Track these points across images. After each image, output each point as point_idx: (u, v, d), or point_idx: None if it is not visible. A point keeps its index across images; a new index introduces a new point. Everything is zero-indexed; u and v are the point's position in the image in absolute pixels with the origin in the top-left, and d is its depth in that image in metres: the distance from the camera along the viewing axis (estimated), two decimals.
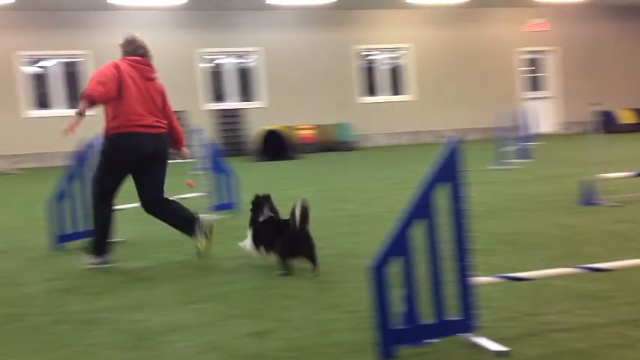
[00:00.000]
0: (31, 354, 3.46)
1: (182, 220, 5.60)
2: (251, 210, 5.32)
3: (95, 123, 6.21)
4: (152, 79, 5.62)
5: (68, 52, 18.84)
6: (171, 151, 5.78)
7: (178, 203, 5.73)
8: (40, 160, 18.37)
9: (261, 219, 5.19)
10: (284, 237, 4.87)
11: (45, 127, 17.81)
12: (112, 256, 5.55)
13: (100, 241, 5.46)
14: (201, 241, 5.51)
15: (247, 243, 5.26)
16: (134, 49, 5.58)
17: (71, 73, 19.11)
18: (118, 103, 5.35)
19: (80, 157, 6.49)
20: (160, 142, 5.56)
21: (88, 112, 5.19)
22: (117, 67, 5.38)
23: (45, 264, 5.73)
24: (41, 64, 18.85)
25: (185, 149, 6.07)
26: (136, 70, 5.50)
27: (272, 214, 5.19)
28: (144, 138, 5.43)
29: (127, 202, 6.55)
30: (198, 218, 5.58)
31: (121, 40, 5.64)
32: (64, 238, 6.36)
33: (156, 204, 5.63)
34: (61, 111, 18.49)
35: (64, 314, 4.16)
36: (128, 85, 5.37)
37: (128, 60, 5.52)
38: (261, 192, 5.45)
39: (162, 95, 5.72)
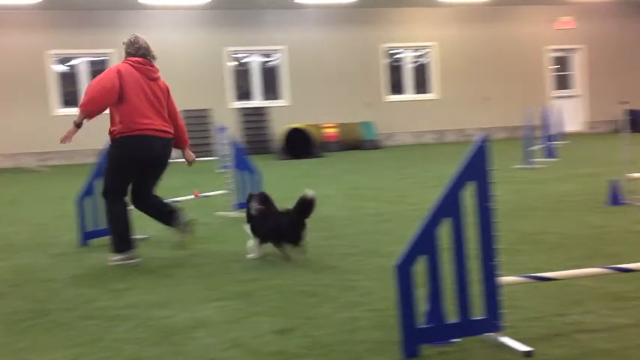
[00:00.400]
0: (58, 349, 3.50)
1: (166, 214, 5.84)
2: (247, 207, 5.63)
3: None
4: (156, 79, 5.69)
5: (96, 51, 19.02)
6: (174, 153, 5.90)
7: (160, 198, 5.94)
8: (71, 157, 18.55)
9: (253, 213, 5.50)
10: (284, 224, 5.26)
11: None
12: (135, 252, 5.61)
13: (118, 238, 5.54)
14: (183, 234, 5.74)
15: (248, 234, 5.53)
16: (136, 50, 5.65)
17: (98, 72, 19.30)
18: (123, 107, 5.43)
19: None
20: (166, 147, 5.70)
21: (85, 122, 5.43)
22: (118, 72, 5.45)
23: (72, 260, 5.79)
24: (69, 62, 19.06)
25: (189, 152, 6.17)
26: (140, 72, 5.56)
27: (263, 207, 5.49)
28: (152, 141, 5.53)
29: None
30: (178, 212, 5.82)
31: (125, 40, 5.73)
32: (90, 235, 6.43)
33: (147, 201, 5.81)
34: None
35: (90, 310, 4.21)
36: (132, 88, 5.44)
37: (130, 61, 5.59)
38: (264, 191, 5.85)
39: (167, 94, 5.80)
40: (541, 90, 23.06)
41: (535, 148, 12.58)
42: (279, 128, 19.78)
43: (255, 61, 20.63)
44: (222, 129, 8.55)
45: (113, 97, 5.37)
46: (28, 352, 3.47)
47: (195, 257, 5.66)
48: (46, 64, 18.72)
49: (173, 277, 4.99)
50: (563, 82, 23.85)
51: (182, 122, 5.98)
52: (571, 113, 23.12)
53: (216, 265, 5.30)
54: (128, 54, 5.65)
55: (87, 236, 6.40)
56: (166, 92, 5.78)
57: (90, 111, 5.37)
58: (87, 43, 18.81)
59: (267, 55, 20.73)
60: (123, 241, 5.54)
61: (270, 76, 20.84)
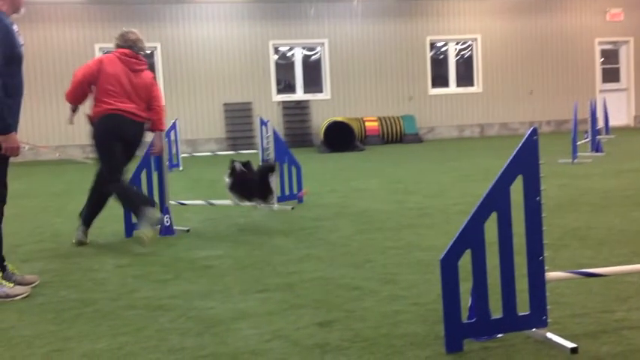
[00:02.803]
0: (102, 337, 3.56)
1: (134, 204, 5.91)
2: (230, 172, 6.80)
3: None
4: (139, 71, 6.12)
5: None
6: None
7: (135, 187, 6.18)
8: None
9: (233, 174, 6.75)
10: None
11: None
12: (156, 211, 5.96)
13: (141, 201, 5.85)
14: (146, 231, 5.76)
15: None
16: (124, 42, 6.15)
17: None
18: (99, 92, 5.94)
19: (150, 148, 6.63)
20: (137, 128, 6.09)
21: (79, 105, 6.03)
22: (101, 61, 5.99)
23: (117, 250, 5.88)
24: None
25: (158, 144, 6.44)
26: (123, 63, 6.03)
27: (242, 170, 6.77)
28: (124, 120, 5.97)
29: (193, 199, 6.67)
30: (149, 205, 5.85)
31: (117, 34, 6.24)
32: (134, 226, 6.51)
33: (117, 183, 5.99)
34: None
35: (134, 300, 4.27)
36: (110, 75, 5.92)
37: (117, 53, 6.08)
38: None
39: (149, 85, 6.21)
40: (588, 83, 22.64)
41: (580, 142, 12.37)
42: (320, 122, 19.79)
43: (297, 55, 20.65)
44: (264, 122, 8.59)
45: (88, 88, 5.94)
46: (74, 341, 3.53)
47: (235, 249, 5.70)
48: (92, 58, 19.02)
49: (214, 268, 5.03)
50: (610, 75, 23.38)
51: (159, 105, 6.30)
52: (618, 107, 22.67)
53: (257, 257, 5.33)
54: (117, 46, 6.15)
55: (132, 227, 6.49)
56: (149, 83, 6.20)
57: (71, 100, 5.97)
58: None
59: (311, 49, 20.74)
60: (145, 201, 5.88)
61: (312, 69, 20.85)
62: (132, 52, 6.10)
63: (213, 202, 7.66)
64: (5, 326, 3.84)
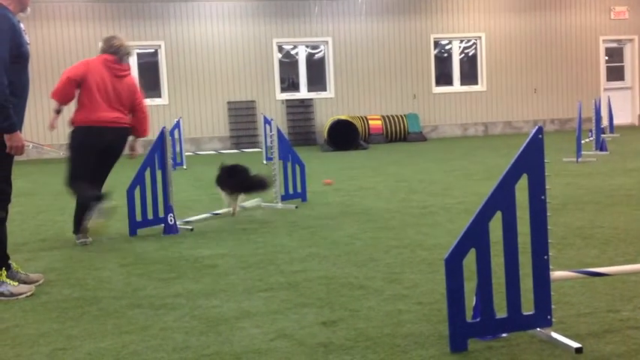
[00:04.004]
0: (107, 336, 3.57)
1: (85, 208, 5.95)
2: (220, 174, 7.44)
3: (165, 113, 6.39)
4: (121, 77, 6.18)
5: (146, 43, 19.20)
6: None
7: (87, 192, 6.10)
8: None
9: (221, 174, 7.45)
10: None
11: None
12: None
13: (91, 206, 5.88)
14: (91, 220, 5.81)
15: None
16: (109, 48, 6.20)
17: (148, 64, 19.45)
18: (82, 97, 6.01)
19: (154, 147, 6.64)
20: (118, 135, 6.14)
21: (63, 107, 6.11)
22: (87, 64, 6.09)
23: (121, 249, 5.89)
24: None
25: (138, 150, 6.59)
26: (106, 68, 6.09)
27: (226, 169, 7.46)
28: (104, 131, 6.02)
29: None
30: (101, 199, 5.86)
31: (102, 38, 6.38)
32: (140, 225, 6.52)
33: (71, 188, 6.09)
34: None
35: (138, 298, 4.27)
36: (94, 82, 5.98)
37: (102, 58, 6.14)
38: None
39: (132, 91, 6.28)
40: (592, 82, 22.59)
41: (584, 140, 12.34)
42: (324, 120, 19.78)
43: (301, 53, 20.63)
44: (268, 120, 8.58)
45: (75, 88, 5.99)
46: (79, 339, 3.54)
47: (239, 248, 5.70)
48: None
49: (218, 267, 5.03)
50: (614, 74, 23.32)
51: (144, 115, 6.37)
52: (622, 105, 22.62)
53: (261, 256, 5.33)
54: (102, 50, 6.21)
55: (136, 226, 6.50)
56: (132, 90, 6.27)
57: (58, 99, 6.03)
58: (137, 35, 19.05)
59: (315, 47, 20.72)
60: (96, 199, 5.87)
61: (315, 67, 20.83)
62: (115, 58, 6.15)
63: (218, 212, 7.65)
64: (9, 325, 3.85)
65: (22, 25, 4.49)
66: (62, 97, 6.01)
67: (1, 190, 4.47)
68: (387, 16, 20.89)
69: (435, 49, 21.52)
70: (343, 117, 18.13)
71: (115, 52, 6.18)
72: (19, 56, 4.42)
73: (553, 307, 3.17)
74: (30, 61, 4.63)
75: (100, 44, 6.29)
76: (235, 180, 7.32)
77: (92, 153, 6.03)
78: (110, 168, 6.32)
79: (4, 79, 4.28)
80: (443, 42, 21.73)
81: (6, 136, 4.35)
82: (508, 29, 21.87)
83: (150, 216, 6.62)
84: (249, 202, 7.85)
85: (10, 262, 4.68)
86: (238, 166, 7.45)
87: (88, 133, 6.00)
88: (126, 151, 6.34)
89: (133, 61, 19.43)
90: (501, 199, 3.05)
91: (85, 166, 6.04)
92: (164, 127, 6.81)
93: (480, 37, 21.72)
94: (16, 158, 4.62)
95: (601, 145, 12.95)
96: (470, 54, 21.98)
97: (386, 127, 19.55)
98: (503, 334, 3.19)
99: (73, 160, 6.10)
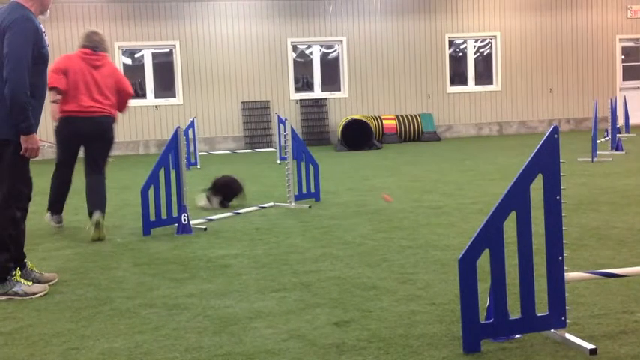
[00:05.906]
0: (120, 336, 3.58)
1: (89, 201, 6.53)
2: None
3: (179, 113, 6.42)
4: (99, 67, 6.53)
5: (161, 43, 19.27)
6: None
7: (98, 187, 6.64)
8: (134, 148, 18.89)
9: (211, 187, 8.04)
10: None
11: (137, 115, 18.38)
12: (61, 219, 6.90)
13: (53, 201, 6.75)
14: (91, 228, 6.32)
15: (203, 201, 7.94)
16: (89, 42, 6.56)
17: (163, 63, 19.52)
18: (66, 90, 6.39)
19: (169, 147, 6.65)
20: (95, 123, 6.49)
21: (60, 94, 6.42)
22: (68, 58, 6.56)
23: (134, 249, 5.90)
24: (132, 55, 19.39)
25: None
26: (84, 61, 6.48)
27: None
28: (79, 120, 6.43)
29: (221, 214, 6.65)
30: (98, 208, 6.40)
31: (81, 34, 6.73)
32: (153, 224, 6.54)
33: (86, 177, 6.62)
34: (153, 100, 18.98)
35: (151, 298, 4.28)
36: (74, 74, 6.39)
37: (80, 52, 6.52)
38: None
39: (113, 78, 6.63)
40: (608, 81, 22.44)
41: (600, 140, 12.25)
42: (338, 120, 19.77)
43: (315, 53, 20.63)
44: (282, 120, 8.58)
45: (62, 76, 6.34)
46: (92, 339, 3.55)
47: (252, 248, 5.70)
48: (116, 57, 19.07)
49: (231, 267, 5.04)
50: (630, 73, 23.15)
51: (127, 93, 6.76)
52: (638, 105, 22.44)
53: (273, 256, 5.33)
54: (83, 46, 6.56)
55: (150, 226, 6.52)
56: (112, 76, 6.62)
57: (52, 85, 6.18)
58: (152, 35, 19.12)
59: (329, 47, 20.71)
60: (55, 205, 6.77)
61: (329, 67, 20.82)
62: (92, 50, 6.52)
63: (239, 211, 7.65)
64: (23, 324, 3.87)
65: (42, 27, 4.52)
66: (54, 81, 6.24)
67: (17, 190, 4.50)
68: (401, 16, 20.85)
69: (449, 48, 21.45)
70: (357, 117, 18.10)
71: (95, 46, 6.55)
72: (39, 58, 4.45)
73: (567, 308, 3.15)
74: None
75: (80, 40, 6.62)
76: (230, 190, 8.05)
77: (70, 141, 6.54)
78: (99, 153, 6.63)
79: (26, 81, 4.31)
80: (458, 41, 21.66)
81: (22, 138, 4.38)
82: (523, 28, 21.76)
83: (164, 216, 6.64)
84: (265, 204, 7.85)
85: (25, 260, 4.71)
86: (232, 178, 8.22)
87: (65, 122, 6.47)
88: None
89: (147, 61, 19.54)
90: (516, 199, 3.03)
91: (66, 154, 6.59)
92: (178, 127, 6.83)
93: (495, 37, 21.63)
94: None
95: (617, 145, 12.85)
96: (485, 53, 21.89)
97: (400, 127, 19.51)
98: (517, 335, 3.18)
99: (57, 148, 6.67)
